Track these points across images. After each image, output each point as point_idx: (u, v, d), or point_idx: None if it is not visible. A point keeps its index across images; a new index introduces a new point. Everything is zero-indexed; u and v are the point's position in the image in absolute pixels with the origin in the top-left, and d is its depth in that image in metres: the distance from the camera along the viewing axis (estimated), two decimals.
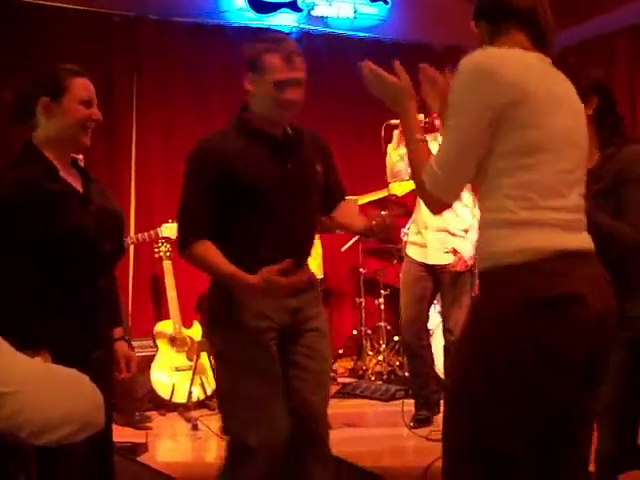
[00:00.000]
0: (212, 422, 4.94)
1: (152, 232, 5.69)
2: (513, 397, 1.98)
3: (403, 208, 5.43)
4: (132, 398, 5.12)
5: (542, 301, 1.95)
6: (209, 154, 2.68)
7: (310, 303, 2.81)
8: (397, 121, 4.80)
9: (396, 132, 4.89)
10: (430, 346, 5.05)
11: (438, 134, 4.75)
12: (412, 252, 4.89)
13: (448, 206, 2.17)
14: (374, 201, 6.55)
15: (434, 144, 4.77)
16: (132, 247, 6.10)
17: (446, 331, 4.84)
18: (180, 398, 5.46)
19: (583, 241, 2.07)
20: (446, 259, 4.82)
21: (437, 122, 4.67)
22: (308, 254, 2.87)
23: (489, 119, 1.99)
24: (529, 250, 1.98)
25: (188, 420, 5.17)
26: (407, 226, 5.24)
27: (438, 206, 2.18)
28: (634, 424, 2.81)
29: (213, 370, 5.41)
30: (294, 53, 2.71)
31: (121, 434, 4.20)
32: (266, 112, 2.73)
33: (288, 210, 2.68)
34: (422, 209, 4.72)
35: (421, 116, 4.80)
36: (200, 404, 5.44)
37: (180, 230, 2.73)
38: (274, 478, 2.67)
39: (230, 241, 2.67)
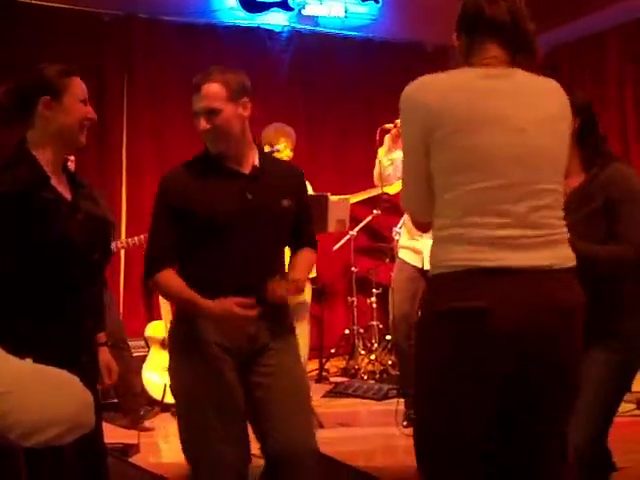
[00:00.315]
0: None
1: (142, 236, 5.65)
2: (433, 401, 2.13)
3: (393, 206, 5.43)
4: (133, 395, 5.11)
5: (444, 314, 2.06)
6: (170, 189, 2.76)
7: (271, 329, 2.81)
8: (391, 125, 4.80)
9: (387, 137, 4.86)
10: None
11: None
12: (406, 256, 4.86)
13: (425, 224, 2.29)
14: (366, 199, 6.55)
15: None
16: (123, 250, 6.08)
17: None
18: (172, 398, 5.42)
19: (514, 259, 2.04)
20: None
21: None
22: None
23: (423, 144, 2.11)
24: (443, 265, 2.12)
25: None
26: (398, 225, 5.21)
27: (418, 225, 2.39)
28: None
29: None
30: (202, 81, 2.76)
31: (113, 435, 4.18)
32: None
33: (248, 240, 2.72)
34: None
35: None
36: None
37: (145, 260, 2.79)
38: None
39: (193, 269, 2.76)
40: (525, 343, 2.03)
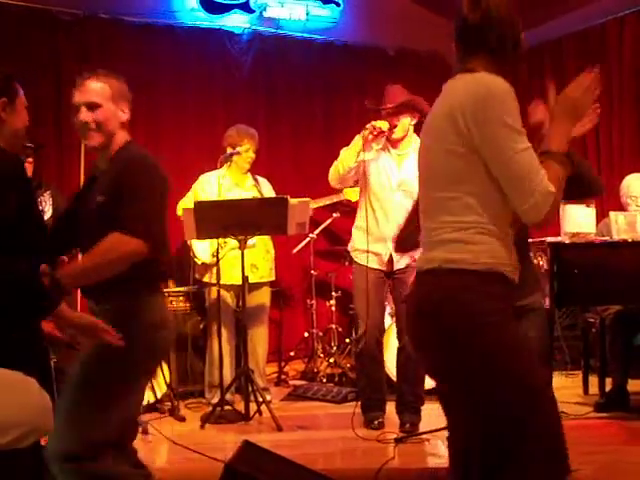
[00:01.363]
0: (162, 426, 4.90)
1: None
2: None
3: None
4: None
5: None
6: None
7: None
8: (383, 123, 4.74)
9: (358, 137, 4.78)
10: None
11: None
12: (369, 261, 4.82)
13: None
14: (327, 206, 6.54)
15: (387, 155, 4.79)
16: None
17: (402, 333, 4.84)
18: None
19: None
20: (410, 260, 4.87)
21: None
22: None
23: None
24: None
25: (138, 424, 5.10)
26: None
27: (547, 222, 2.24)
28: None
29: (163, 373, 5.40)
30: (88, 77, 2.83)
31: None
32: None
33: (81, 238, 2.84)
34: (388, 219, 4.69)
35: (385, 124, 4.78)
36: (150, 407, 5.37)
37: None
38: None
39: None
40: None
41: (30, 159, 4.45)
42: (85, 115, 2.77)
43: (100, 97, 2.79)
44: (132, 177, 2.77)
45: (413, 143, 4.78)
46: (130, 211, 2.68)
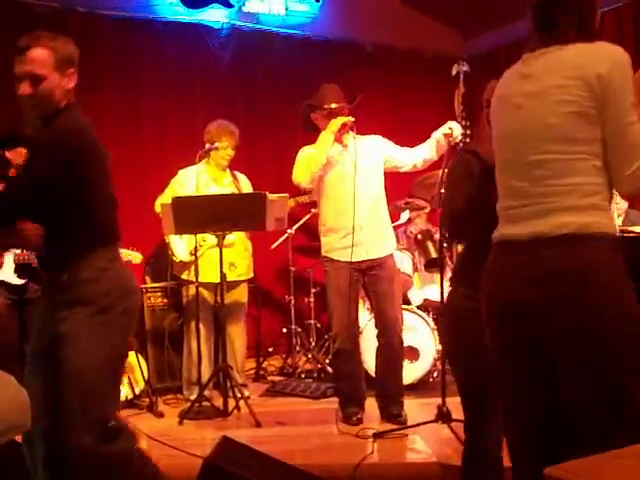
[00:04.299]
0: (140, 422, 4.88)
1: None
2: None
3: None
4: None
5: None
6: None
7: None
8: (347, 119, 4.80)
9: (323, 133, 4.83)
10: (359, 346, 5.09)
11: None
12: (342, 255, 4.83)
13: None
14: (307, 203, 6.53)
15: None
16: None
17: (386, 330, 4.85)
18: None
19: (511, 230, 2.28)
20: (386, 250, 4.88)
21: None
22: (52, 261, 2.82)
23: None
24: None
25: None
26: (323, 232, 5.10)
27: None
28: None
29: (141, 369, 5.38)
30: (30, 44, 2.69)
31: None
32: None
33: None
34: (356, 210, 4.70)
35: (351, 119, 4.84)
36: (129, 403, 5.35)
37: None
38: None
39: None
40: (530, 311, 2.19)
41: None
42: (27, 88, 2.65)
43: (44, 67, 2.66)
44: (42, 145, 2.77)
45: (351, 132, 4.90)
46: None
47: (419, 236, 6.17)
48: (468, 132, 4.88)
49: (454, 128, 4.75)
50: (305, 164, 4.84)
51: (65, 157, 2.65)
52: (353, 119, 4.83)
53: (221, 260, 5.02)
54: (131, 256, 5.26)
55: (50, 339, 2.71)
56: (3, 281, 5.09)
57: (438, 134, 4.87)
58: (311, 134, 5.03)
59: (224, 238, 5.04)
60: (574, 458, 1.70)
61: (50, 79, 2.65)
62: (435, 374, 5.77)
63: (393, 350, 4.86)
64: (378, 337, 4.91)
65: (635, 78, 2.26)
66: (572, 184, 2.16)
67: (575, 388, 2.16)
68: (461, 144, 4.77)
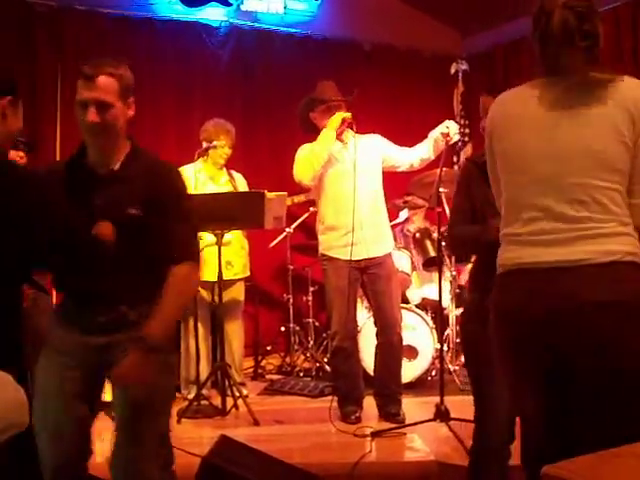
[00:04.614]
0: None
1: None
2: None
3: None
4: None
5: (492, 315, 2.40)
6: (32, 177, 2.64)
7: (125, 343, 2.60)
8: (346, 115, 4.81)
9: (327, 130, 4.82)
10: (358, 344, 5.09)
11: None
12: (341, 254, 4.83)
13: None
14: (305, 202, 6.53)
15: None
16: None
17: (385, 329, 4.85)
18: (107, 397, 5.35)
19: (545, 255, 2.21)
20: (385, 249, 4.89)
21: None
22: (122, 296, 2.65)
23: None
24: (499, 265, 2.38)
25: (114, 419, 5.07)
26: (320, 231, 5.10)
27: None
28: None
29: None
30: (97, 71, 2.62)
31: None
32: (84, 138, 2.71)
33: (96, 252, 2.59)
34: (356, 209, 4.69)
35: (350, 115, 4.84)
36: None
37: None
38: None
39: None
40: (551, 337, 2.17)
41: (22, 154, 4.41)
42: (94, 115, 2.58)
43: (111, 95, 2.62)
44: (174, 192, 2.72)
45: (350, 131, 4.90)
46: (184, 235, 2.69)
47: (417, 235, 6.18)
48: (467, 131, 4.88)
49: (451, 127, 4.76)
50: (307, 161, 4.83)
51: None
52: (350, 114, 4.83)
53: (219, 258, 5.02)
54: None
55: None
56: None
57: (435, 133, 4.87)
58: (309, 135, 5.02)
59: (222, 237, 5.04)
60: None
61: (117, 107, 2.63)
62: (433, 373, 5.77)
63: (392, 349, 4.86)
64: (377, 335, 4.91)
65: None
66: (613, 212, 2.18)
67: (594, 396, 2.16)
68: (460, 143, 4.78)
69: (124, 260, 2.56)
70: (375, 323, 4.96)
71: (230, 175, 5.70)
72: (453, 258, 5.98)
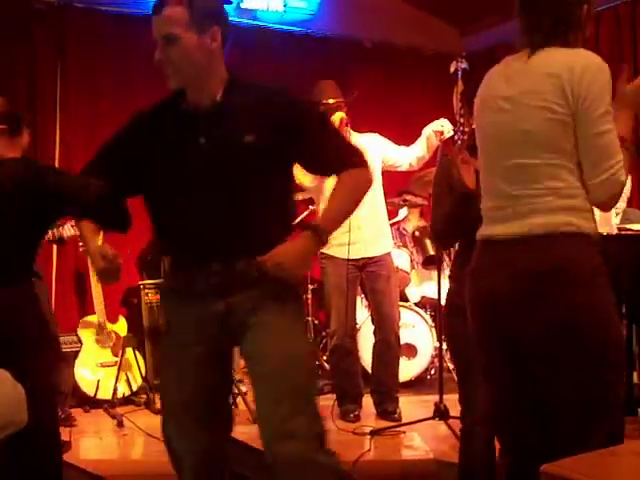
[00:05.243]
0: (138, 418, 4.88)
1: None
2: None
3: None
4: (60, 392, 5.01)
5: None
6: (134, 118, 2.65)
7: (246, 301, 2.36)
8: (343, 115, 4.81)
9: None
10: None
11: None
12: (340, 252, 4.83)
13: None
14: (304, 200, 6.52)
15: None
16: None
17: (382, 326, 4.85)
18: (105, 394, 5.37)
19: (494, 230, 2.31)
20: (385, 248, 4.88)
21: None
22: (241, 245, 2.38)
23: None
24: None
25: (113, 417, 5.08)
26: None
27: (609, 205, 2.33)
28: None
29: (138, 365, 5.38)
30: (163, 2, 2.37)
31: None
32: None
33: (208, 194, 2.37)
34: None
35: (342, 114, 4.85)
36: (126, 400, 5.36)
37: None
38: None
39: (156, 232, 2.54)
40: (504, 309, 2.23)
41: None
42: (158, 52, 2.35)
43: (177, 27, 2.31)
44: (305, 113, 2.54)
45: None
46: (340, 145, 2.56)
47: (416, 233, 6.18)
48: (467, 129, 4.88)
49: (445, 125, 4.77)
50: None
51: None
52: (345, 115, 4.84)
53: None
54: None
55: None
56: None
57: (428, 131, 4.88)
58: None
59: None
60: (554, 454, 1.73)
61: (185, 39, 2.34)
62: (432, 371, 5.78)
63: (389, 347, 4.86)
64: (374, 333, 4.92)
65: (634, 86, 2.28)
66: (550, 187, 2.19)
67: (551, 386, 2.20)
68: (459, 141, 4.78)
69: (238, 200, 2.36)
70: (373, 321, 4.96)
71: None
72: (452, 256, 5.97)
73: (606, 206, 2.28)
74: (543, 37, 2.24)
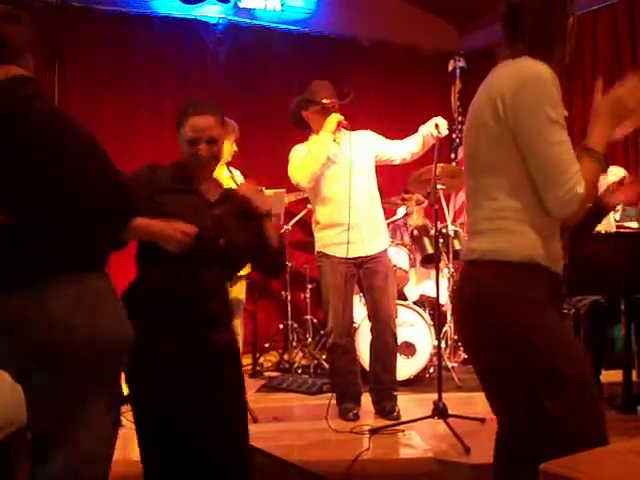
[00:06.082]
0: None
1: None
2: None
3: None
4: None
5: None
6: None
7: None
8: (341, 117, 4.80)
9: (324, 132, 4.81)
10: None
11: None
12: (337, 251, 4.83)
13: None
14: (303, 199, 6.53)
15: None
16: None
17: (379, 324, 4.86)
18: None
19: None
20: (381, 246, 4.90)
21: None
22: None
23: None
24: None
25: None
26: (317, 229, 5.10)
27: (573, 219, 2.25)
28: None
29: None
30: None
31: None
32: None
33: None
34: (352, 207, 4.71)
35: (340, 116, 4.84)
36: (124, 400, 5.35)
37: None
38: None
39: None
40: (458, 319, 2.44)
41: None
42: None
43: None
44: None
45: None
46: None
47: (415, 232, 6.18)
48: (464, 128, 4.88)
49: (440, 124, 4.77)
50: (305, 164, 4.82)
51: None
52: (342, 117, 4.82)
53: None
54: None
55: None
56: None
57: (425, 130, 4.87)
58: (307, 133, 5.02)
59: None
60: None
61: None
62: (431, 370, 5.77)
63: (386, 345, 4.86)
64: (371, 330, 4.92)
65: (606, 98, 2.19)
66: (487, 208, 2.18)
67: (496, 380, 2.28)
68: (457, 140, 4.79)
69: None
70: (369, 318, 4.96)
71: (230, 172, 5.68)
72: (451, 255, 5.98)
73: (569, 220, 2.21)
74: (526, 49, 2.15)
